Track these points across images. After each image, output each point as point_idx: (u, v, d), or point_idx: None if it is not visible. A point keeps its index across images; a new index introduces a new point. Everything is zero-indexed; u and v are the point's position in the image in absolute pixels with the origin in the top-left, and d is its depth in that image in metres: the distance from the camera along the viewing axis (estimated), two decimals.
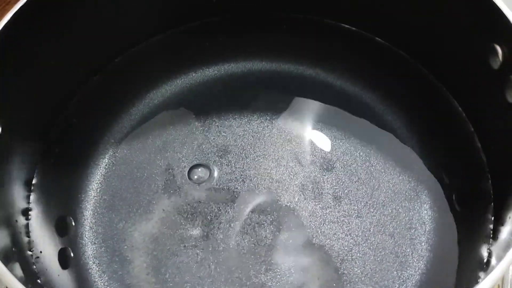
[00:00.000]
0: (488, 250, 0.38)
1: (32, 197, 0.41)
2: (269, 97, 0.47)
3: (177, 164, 0.43)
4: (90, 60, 0.46)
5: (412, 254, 0.39)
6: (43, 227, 0.40)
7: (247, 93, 0.47)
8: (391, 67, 0.47)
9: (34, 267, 0.38)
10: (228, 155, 0.44)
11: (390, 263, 0.39)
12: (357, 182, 0.42)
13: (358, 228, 0.40)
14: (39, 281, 0.38)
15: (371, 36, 0.48)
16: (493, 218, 0.39)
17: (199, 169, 0.43)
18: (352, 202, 0.41)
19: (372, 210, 0.41)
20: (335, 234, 0.40)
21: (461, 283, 0.38)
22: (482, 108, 0.42)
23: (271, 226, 0.40)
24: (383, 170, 0.42)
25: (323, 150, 0.43)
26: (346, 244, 0.40)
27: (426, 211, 0.41)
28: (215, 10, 0.49)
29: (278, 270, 0.39)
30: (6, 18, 0.37)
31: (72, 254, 0.40)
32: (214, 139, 0.44)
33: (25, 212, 0.40)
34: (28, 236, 0.40)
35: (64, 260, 0.40)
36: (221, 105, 0.46)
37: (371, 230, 0.40)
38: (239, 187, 0.42)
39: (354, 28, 0.48)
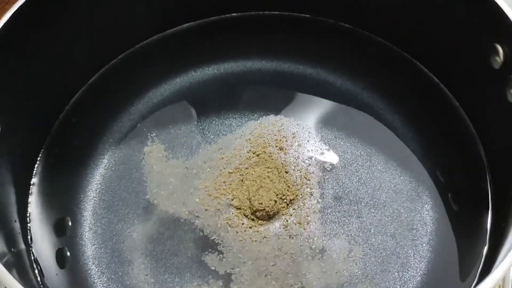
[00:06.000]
0: (489, 251, 0.38)
1: (31, 197, 0.41)
2: (269, 97, 0.46)
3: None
4: (89, 59, 0.46)
5: (413, 255, 0.39)
6: (42, 228, 0.40)
7: (247, 92, 0.47)
8: (391, 67, 0.47)
9: (33, 267, 0.38)
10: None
11: (391, 264, 0.39)
12: (357, 182, 0.42)
13: (358, 228, 0.40)
14: (38, 281, 0.38)
15: (371, 36, 0.48)
16: (493, 218, 0.39)
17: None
18: (352, 202, 0.41)
19: (373, 210, 0.41)
20: (335, 234, 0.40)
21: (462, 284, 0.38)
22: (483, 108, 0.42)
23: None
24: (384, 170, 0.42)
25: (323, 150, 0.43)
26: (347, 245, 0.39)
27: (427, 212, 0.41)
28: (215, 10, 0.49)
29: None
30: (5, 18, 0.37)
31: (71, 255, 0.40)
32: (213, 138, 0.44)
33: (24, 213, 0.40)
34: (27, 237, 0.40)
35: (62, 260, 0.40)
36: (221, 104, 0.46)
37: (372, 231, 0.40)
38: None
39: (354, 28, 0.48)
